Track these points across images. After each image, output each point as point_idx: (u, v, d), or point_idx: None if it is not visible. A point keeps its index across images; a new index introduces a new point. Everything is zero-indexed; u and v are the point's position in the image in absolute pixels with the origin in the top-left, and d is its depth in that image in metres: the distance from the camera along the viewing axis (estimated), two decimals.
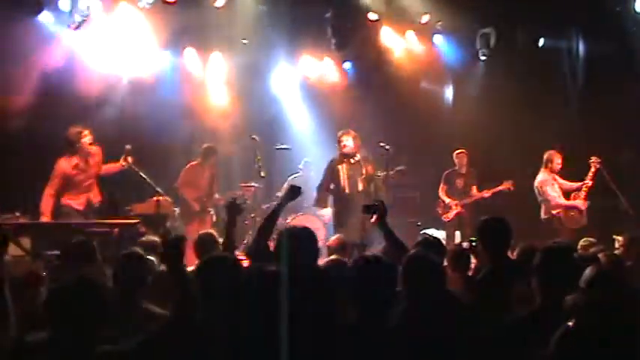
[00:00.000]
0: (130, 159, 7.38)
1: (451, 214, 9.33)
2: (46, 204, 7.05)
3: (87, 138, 7.21)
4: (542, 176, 8.50)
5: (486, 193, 9.28)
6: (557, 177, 8.55)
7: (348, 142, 7.60)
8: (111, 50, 8.67)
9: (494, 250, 4.17)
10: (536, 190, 8.53)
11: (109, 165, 7.51)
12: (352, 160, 7.63)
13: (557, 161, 8.47)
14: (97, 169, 7.41)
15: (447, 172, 9.49)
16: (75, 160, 7.20)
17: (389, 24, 9.99)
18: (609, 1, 9.32)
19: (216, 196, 8.69)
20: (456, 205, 9.31)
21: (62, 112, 8.00)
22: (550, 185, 8.47)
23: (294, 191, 4.53)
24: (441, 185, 9.47)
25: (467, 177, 9.41)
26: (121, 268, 3.72)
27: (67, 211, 7.18)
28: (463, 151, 9.39)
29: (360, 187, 7.58)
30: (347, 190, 7.59)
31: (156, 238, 5.21)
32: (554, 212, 8.44)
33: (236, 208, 4.54)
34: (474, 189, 9.39)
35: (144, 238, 5.31)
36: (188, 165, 8.62)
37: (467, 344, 3.28)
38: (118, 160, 7.45)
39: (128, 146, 7.42)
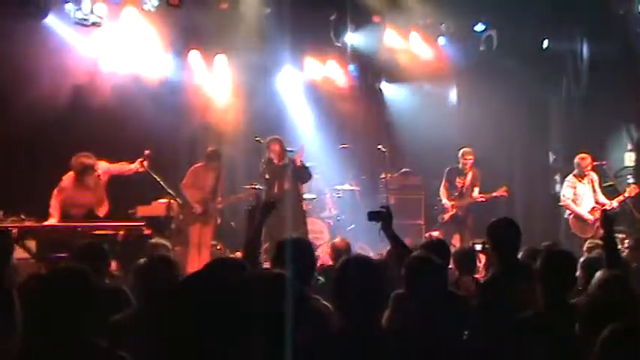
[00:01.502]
0: (146, 164, 7.46)
1: (446, 216, 9.10)
2: (54, 206, 7.14)
3: (97, 172, 7.27)
4: (568, 177, 8.58)
5: (480, 198, 9.04)
6: (592, 183, 8.45)
7: (276, 147, 8.39)
8: (117, 53, 8.71)
9: (503, 252, 4.17)
10: None
11: (122, 165, 7.56)
12: (277, 164, 8.40)
13: (584, 165, 8.39)
14: (105, 184, 7.46)
15: (449, 168, 9.19)
16: (79, 183, 7.25)
17: (393, 26, 10.00)
18: (613, 3, 9.31)
19: (219, 199, 8.65)
20: (452, 207, 9.06)
21: (69, 115, 8.03)
22: (567, 186, 8.51)
23: (269, 207, 4.25)
24: (443, 182, 9.19)
25: (469, 177, 9.10)
26: (152, 272, 3.50)
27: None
28: (469, 150, 9.10)
29: (286, 186, 8.35)
30: (275, 190, 8.29)
31: (164, 241, 5.23)
32: (567, 213, 8.48)
33: (269, 210, 4.19)
34: (476, 191, 9.11)
35: (152, 240, 5.32)
36: (192, 167, 8.63)
37: (472, 345, 3.29)
38: (132, 161, 7.51)
39: (147, 151, 7.49)
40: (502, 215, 4.54)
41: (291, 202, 8.22)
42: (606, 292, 2.98)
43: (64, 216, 7.19)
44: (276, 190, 8.34)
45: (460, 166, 9.12)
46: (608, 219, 4.16)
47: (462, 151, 9.13)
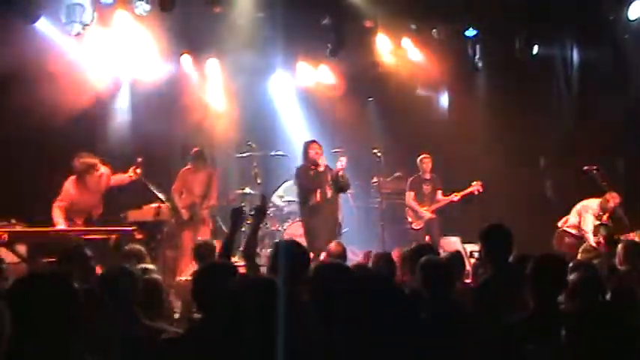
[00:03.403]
0: (139, 171, 7.48)
1: (422, 223, 9.27)
2: (57, 215, 7.10)
3: (99, 172, 7.27)
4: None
5: (455, 197, 9.26)
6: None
7: (316, 149, 7.80)
8: (108, 57, 8.68)
9: (495, 257, 4.20)
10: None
11: (118, 176, 7.58)
12: (319, 169, 7.79)
13: (611, 204, 8.27)
14: (104, 188, 7.47)
15: (411, 178, 9.42)
16: (81, 184, 7.25)
17: (385, 31, 10.02)
18: (602, 9, 9.37)
19: (211, 202, 8.46)
20: (427, 210, 9.27)
21: (59, 120, 7.99)
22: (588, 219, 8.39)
23: (262, 212, 4.50)
24: (408, 192, 9.39)
25: (432, 182, 9.37)
26: (112, 283, 3.53)
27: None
28: (427, 156, 9.34)
29: (329, 194, 7.77)
30: (318, 199, 7.74)
31: (140, 247, 5.22)
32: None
33: (240, 216, 4.47)
34: (439, 194, 9.38)
35: (127, 247, 5.30)
36: (181, 170, 8.51)
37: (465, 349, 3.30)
38: (125, 171, 7.54)
39: (140, 159, 7.52)
40: (493, 220, 4.56)
41: (332, 211, 7.82)
42: (579, 294, 3.01)
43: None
44: (318, 198, 7.74)
45: (421, 173, 9.34)
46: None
47: (420, 157, 9.33)
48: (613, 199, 8.24)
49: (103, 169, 7.39)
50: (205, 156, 8.50)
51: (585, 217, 8.37)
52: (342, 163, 7.76)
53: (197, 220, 8.26)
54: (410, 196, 9.37)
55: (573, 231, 8.49)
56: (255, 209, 4.50)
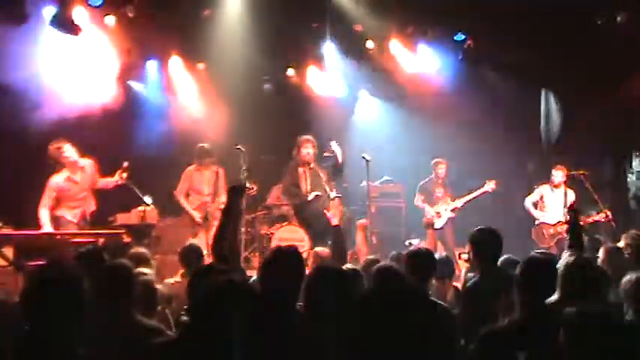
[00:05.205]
0: (125, 175, 7.32)
1: (443, 222, 9.18)
2: (44, 216, 6.97)
3: (68, 152, 7.11)
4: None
5: (461, 203, 9.19)
6: (565, 197, 8.66)
7: (309, 149, 7.73)
8: (96, 59, 8.65)
9: (484, 260, 4.22)
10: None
11: (104, 180, 7.45)
12: (310, 166, 7.77)
13: (559, 177, 8.68)
14: (92, 181, 7.36)
15: (423, 182, 9.34)
16: (65, 173, 7.13)
17: (373, 35, 10.05)
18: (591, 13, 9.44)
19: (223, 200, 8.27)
20: (440, 214, 9.20)
21: (48, 121, 7.95)
22: (535, 191, 9.04)
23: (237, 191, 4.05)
24: (417, 196, 9.30)
25: (444, 187, 9.31)
26: (108, 280, 3.55)
27: (62, 223, 7.12)
28: (442, 161, 9.30)
29: (328, 189, 7.66)
30: (316, 197, 7.71)
31: (144, 250, 5.19)
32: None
33: (242, 191, 4.05)
34: (448, 200, 9.30)
35: (132, 250, 5.26)
36: (185, 170, 8.26)
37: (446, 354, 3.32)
38: (112, 175, 7.40)
39: (126, 163, 7.35)
40: (482, 225, 4.58)
41: (334, 205, 7.60)
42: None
43: (59, 222, 7.06)
44: (318, 197, 7.66)
45: (433, 176, 9.26)
46: (572, 210, 4.34)
47: (435, 161, 9.28)
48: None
49: (86, 162, 7.26)
50: (211, 152, 8.20)
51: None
52: (335, 145, 7.68)
53: (210, 221, 7.98)
54: (418, 199, 9.28)
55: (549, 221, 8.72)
56: (233, 188, 4.03)
